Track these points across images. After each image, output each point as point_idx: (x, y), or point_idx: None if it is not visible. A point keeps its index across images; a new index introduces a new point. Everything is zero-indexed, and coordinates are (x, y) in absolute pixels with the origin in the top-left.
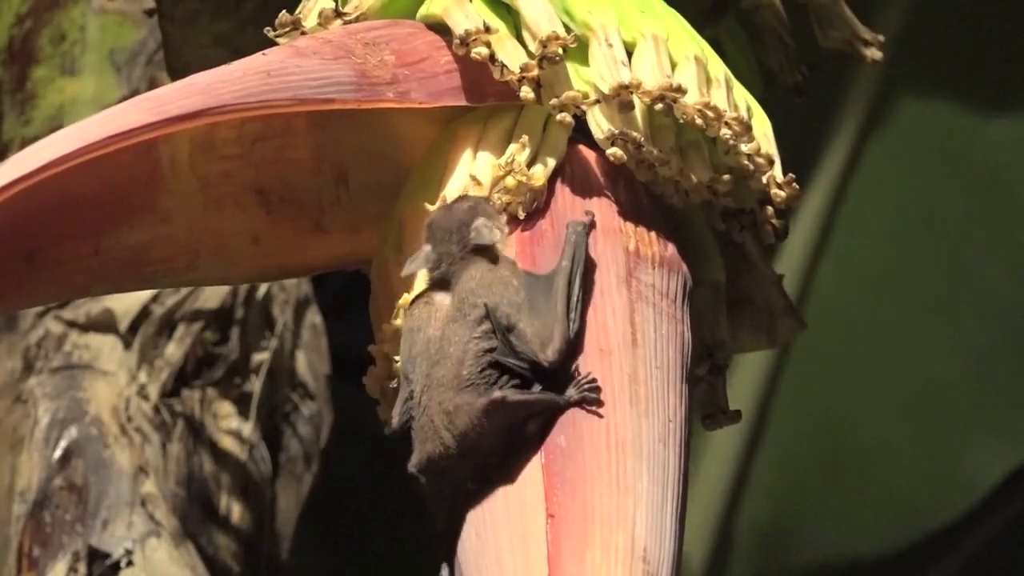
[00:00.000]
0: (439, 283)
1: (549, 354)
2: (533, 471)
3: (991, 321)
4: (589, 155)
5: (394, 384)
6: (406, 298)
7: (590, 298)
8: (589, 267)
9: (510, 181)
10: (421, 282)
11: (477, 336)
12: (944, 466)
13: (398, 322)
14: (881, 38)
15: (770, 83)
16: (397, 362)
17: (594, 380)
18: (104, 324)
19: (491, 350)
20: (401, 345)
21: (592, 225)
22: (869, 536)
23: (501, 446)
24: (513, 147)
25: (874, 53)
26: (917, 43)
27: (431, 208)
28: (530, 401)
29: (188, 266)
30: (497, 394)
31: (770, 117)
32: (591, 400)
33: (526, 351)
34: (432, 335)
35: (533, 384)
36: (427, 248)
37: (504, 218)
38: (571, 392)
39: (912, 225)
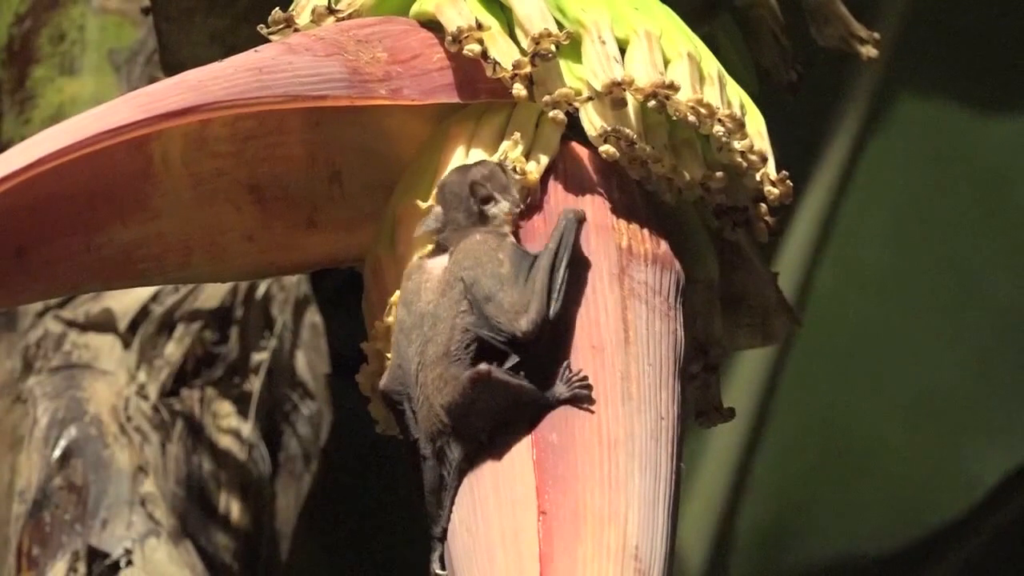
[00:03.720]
0: (439, 247)
1: (523, 324)
2: (524, 468)
3: (991, 321)
4: (582, 152)
5: None
6: (399, 295)
7: (582, 289)
8: (578, 256)
9: None
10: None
11: (462, 311)
12: (944, 466)
13: (390, 319)
14: (877, 36)
15: (766, 81)
16: (390, 359)
17: (585, 377)
18: (103, 323)
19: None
20: (397, 312)
21: (584, 220)
22: (869, 536)
23: (489, 425)
24: (506, 144)
25: (870, 51)
26: (917, 42)
27: (423, 206)
28: (514, 385)
29: (180, 263)
30: (482, 367)
31: (768, 116)
32: (582, 397)
33: (501, 322)
34: (425, 310)
35: (509, 356)
36: (437, 210)
37: (516, 189)
38: (562, 389)
39: (912, 225)
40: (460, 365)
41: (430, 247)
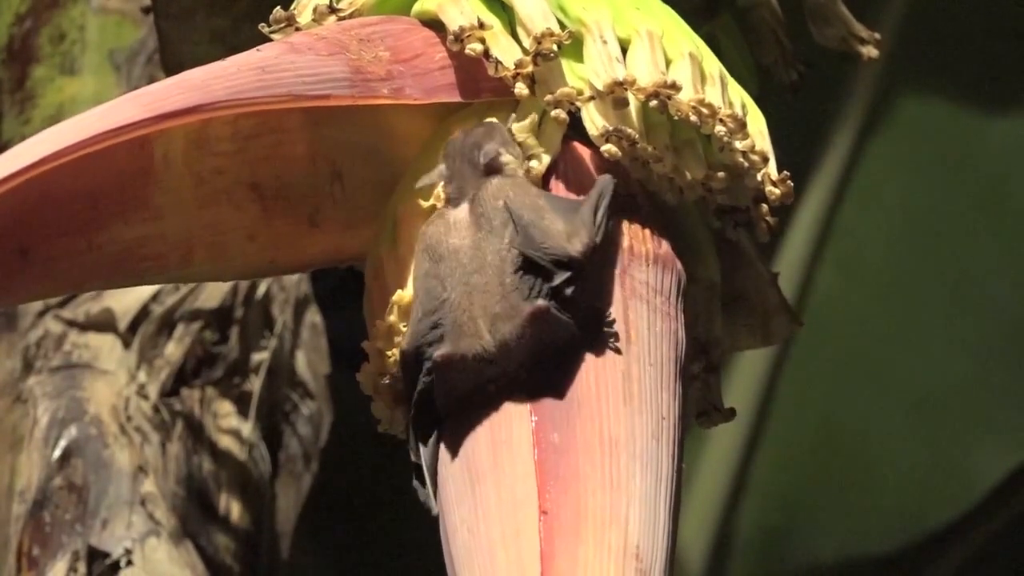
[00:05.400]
0: (452, 200)
1: (577, 245)
2: (526, 468)
3: (991, 321)
4: (583, 152)
5: (387, 380)
6: (400, 295)
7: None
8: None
9: None
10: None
11: (507, 242)
12: (944, 466)
13: (392, 318)
14: (878, 36)
15: (767, 81)
16: (391, 357)
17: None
18: (104, 323)
19: (523, 254)
20: (414, 267)
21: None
22: (869, 536)
23: (531, 359)
24: None
25: (870, 51)
26: (917, 42)
27: (425, 205)
28: (565, 324)
29: (182, 262)
30: (541, 303)
31: (769, 117)
32: (613, 347)
33: (549, 245)
34: (459, 244)
35: (555, 275)
36: (441, 166)
37: (518, 148)
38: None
39: (912, 226)
40: (518, 296)
41: (438, 204)
